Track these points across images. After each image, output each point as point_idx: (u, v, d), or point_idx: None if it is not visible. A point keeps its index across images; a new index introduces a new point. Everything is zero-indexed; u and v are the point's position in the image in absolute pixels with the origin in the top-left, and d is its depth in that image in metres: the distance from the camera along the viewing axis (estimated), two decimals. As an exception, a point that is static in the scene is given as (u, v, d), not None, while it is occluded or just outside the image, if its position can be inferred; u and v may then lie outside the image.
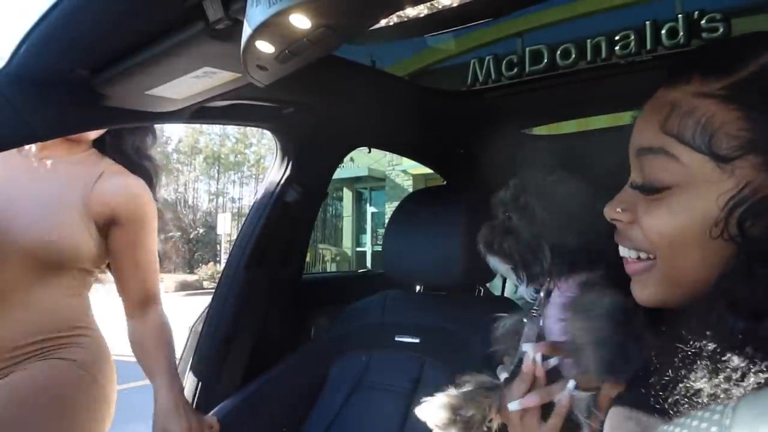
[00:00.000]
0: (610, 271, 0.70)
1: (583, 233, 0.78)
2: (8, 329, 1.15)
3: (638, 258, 0.59)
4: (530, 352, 0.77)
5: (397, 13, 0.75)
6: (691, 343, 0.44)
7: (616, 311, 0.68)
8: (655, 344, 0.55)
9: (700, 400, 0.42)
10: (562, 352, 0.76)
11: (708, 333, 0.44)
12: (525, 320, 0.84)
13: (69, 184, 1.24)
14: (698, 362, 0.43)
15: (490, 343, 0.88)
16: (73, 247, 1.19)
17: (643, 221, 0.56)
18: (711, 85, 0.52)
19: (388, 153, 9.35)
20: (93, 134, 1.30)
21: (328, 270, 13.41)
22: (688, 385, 0.43)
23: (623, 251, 0.61)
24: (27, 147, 1.25)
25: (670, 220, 0.53)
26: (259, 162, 24.12)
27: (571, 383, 0.73)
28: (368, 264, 13.34)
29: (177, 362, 1.29)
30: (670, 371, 0.46)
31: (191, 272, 18.12)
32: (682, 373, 0.45)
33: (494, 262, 0.88)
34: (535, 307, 0.84)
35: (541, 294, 0.84)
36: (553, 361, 0.77)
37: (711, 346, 0.43)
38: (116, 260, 1.28)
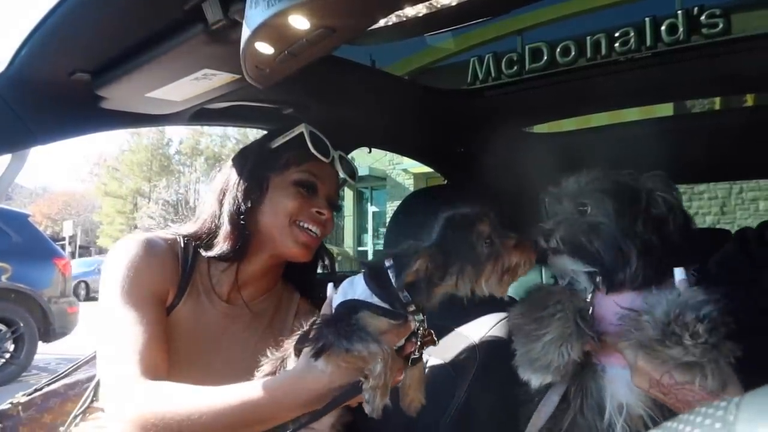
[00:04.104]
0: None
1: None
2: None
3: None
4: None
5: (396, 13, 0.75)
6: None
7: None
8: None
9: None
10: None
11: None
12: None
13: (262, 335, 1.12)
14: None
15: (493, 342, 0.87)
16: None
17: None
18: None
19: (388, 152, 9.33)
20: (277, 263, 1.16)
21: (330, 270, 13.37)
22: None
23: None
24: (213, 291, 1.12)
25: None
26: (260, 163, 24.09)
27: None
28: (370, 263, 13.30)
29: None
30: None
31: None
32: None
33: (565, 262, 0.77)
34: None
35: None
36: None
37: None
38: None
